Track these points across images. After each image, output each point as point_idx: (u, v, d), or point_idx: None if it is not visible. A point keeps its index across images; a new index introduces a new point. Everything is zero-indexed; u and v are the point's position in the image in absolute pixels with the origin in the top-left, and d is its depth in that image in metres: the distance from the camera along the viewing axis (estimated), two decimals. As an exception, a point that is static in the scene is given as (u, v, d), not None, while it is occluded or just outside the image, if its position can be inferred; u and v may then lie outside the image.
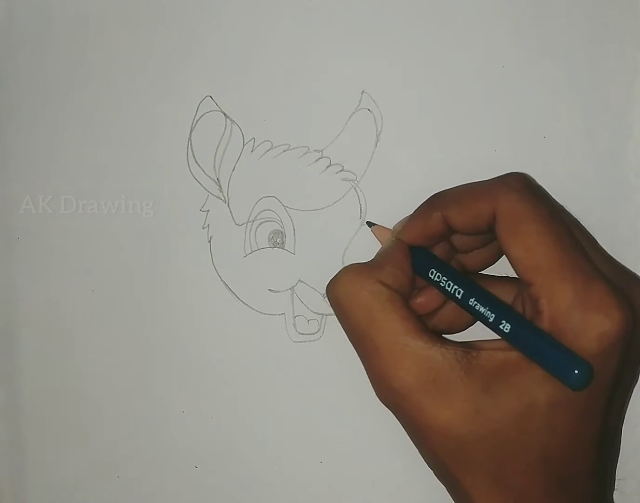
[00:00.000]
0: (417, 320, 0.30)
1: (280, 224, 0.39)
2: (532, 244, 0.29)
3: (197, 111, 0.39)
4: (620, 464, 0.37)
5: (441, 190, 0.34)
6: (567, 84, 0.37)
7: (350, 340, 0.32)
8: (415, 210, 0.34)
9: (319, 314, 0.39)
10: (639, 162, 0.37)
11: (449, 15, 0.38)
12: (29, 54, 0.40)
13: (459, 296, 0.32)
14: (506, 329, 0.29)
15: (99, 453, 0.41)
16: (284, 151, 0.39)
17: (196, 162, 0.39)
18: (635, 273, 0.35)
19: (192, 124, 0.39)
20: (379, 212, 0.39)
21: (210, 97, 0.39)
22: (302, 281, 0.39)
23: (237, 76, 0.39)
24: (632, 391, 0.35)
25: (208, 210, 0.40)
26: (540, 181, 0.38)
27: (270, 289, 0.39)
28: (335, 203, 0.39)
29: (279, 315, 0.39)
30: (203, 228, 0.40)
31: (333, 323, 0.39)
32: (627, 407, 0.35)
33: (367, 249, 0.39)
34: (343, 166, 0.39)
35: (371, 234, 0.39)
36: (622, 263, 0.37)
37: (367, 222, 0.38)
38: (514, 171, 0.35)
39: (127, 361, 0.41)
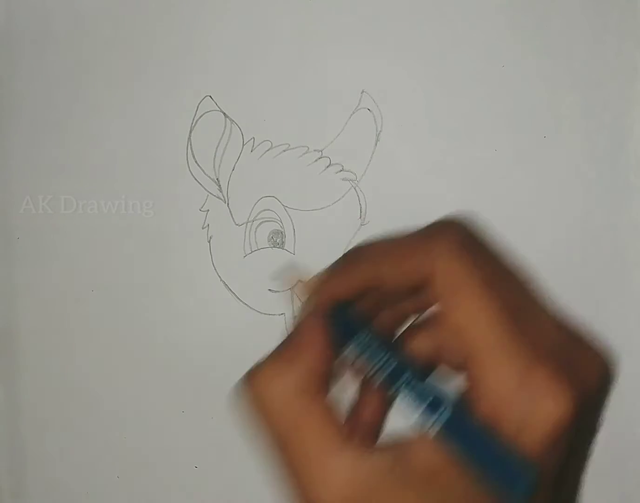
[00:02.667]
0: (341, 421, 0.27)
1: (280, 224, 0.39)
2: (472, 315, 0.26)
3: (196, 110, 0.39)
4: (620, 464, 0.37)
5: (363, 242, 0.30)
6: (567, 84, 0.37)
7: (267, 447, 0.28)
8: (335, 264, 0.30)
9: (319, 314, 0.39)
10: (639, 162, 0.37)
11: (449, 15, 0.38)
12: (29, 55, 0.40)
13: (383, 381, 0.27)
14: (437, 425, 0.25)
15: (99, 453, 0.41)
16: (284, 150, 0.39)
17: (196, 162, 0.39)
18: (585, 332, 0.32)
19: (192, 123, 0.39)
20: (379, 212, 0.39)
21: (210, 97, 0.39)
22: (302, 282, 0.39)
23: (237, 76, 0.39)
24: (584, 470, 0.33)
25: (208, 210, 0.40)
26: (540, 181, 0.38)
27: (270, 289, 0.39)
28: (335, 202, 0.39)
29: (279, 315, 0.39)
30: (203, 228, 0.40)
31: (333, 323, 0.39)
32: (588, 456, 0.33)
33: (367, 249, 0.39)
34: (343, 166, 0.39)
35: (372, 234, 0.39)
36: (623, 263, 0.37)
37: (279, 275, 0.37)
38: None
39: (127, 361, 0.41)
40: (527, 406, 0.25)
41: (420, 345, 0.30)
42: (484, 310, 0.26)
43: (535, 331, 0.27)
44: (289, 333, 0.29)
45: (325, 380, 0.28)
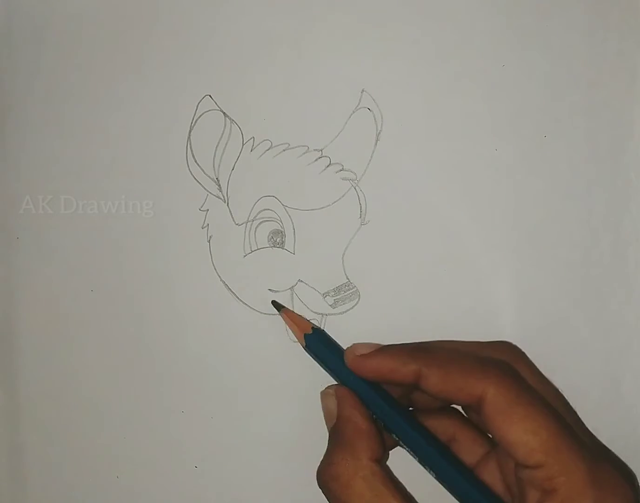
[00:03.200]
0: (411, 498, 0.31)
1: (280, 223, 0.39)
2: (535, 426, 0.29)
3: (196, 110, 0.39)
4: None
5: (428, 342, 0.34)
6: (567, 84, 0.37)
7: None
8: (390, 347, 0.33)
9: (319, 314, 0.39)
10: (639, 162, 0.37)
11: (449, 14, 0.38)
12: (28, 54, 0.40)
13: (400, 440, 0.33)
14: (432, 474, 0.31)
15: (98, 453, 0.41)
16: (284, 150, 0.39)
17: (195, 161, 0.39)
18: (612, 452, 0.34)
19: (192, 123, 0.39)
20: (379, 212, 0.39)
21: (210, 96, 0.39)
22: (301, 281, 0.39)
23: (237, 74, 0.39)
24: None
25: (207, 210, 0.40)
26: (540, 181, 0.38)
27: (270, 289, 0.39)
28: (335, 202, 0.39)
29: (279, 314, 0.39)
30: (202, 228, 0.40)
31: (333, 323, 0.39)
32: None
33: (366, 249, 0.39)
34: (343, 166, 0.39)
35: (372, 234, 0.39)
36: (624, 264, 0.37)
37: (273, 302, 0.38)
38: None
39: (127, 361, 0.40)
40: (599, 498, 0.28)
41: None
42: (545, 422, 0.29)
43: (585, 439, 0.30)
44: (335, 423, 0.34)
45: (383, 456, 0.32)
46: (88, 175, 0.40)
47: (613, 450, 0.35)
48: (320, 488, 0.32)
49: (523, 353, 0.34)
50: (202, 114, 0.39)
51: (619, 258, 0.37)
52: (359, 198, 0.39)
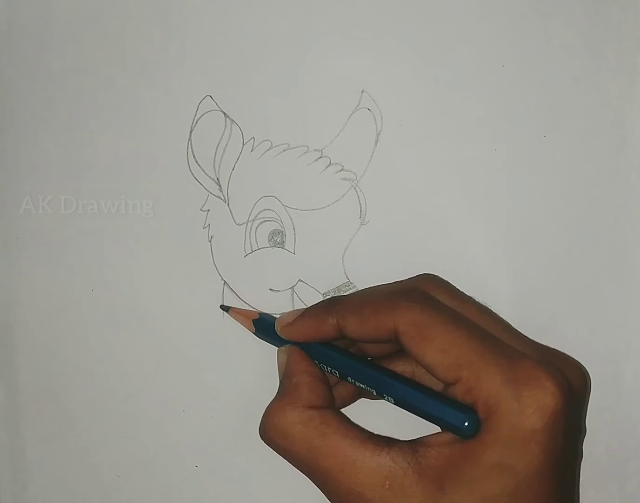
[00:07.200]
0: (358, 429, 0.31)
1: (280, 223, 0.39)
2: (445, 345, 0.29)
3: (197, 110, 0.39)
4: (621, 464, 0.37)
5: (338, 296, 0.36)
6: (567, 84, 0.37)
7: (299, 470, 0.32)
8: (309, 309, 0.35)
9: (319, 314, 0.39)
10: (639, 162, 0.37)
11: (449, 15, 0.38)
12: (29, 54, 0.40)
13: (344, 378, 0.33)
14: (391, 400, 0.31)
15: (99, 453, 0.41)
16: (284, 150, 0.39)
17: (196, 161, 0.39)
18: (561, 352, 0.33)
19: (192, 123, 0.39)
20: (379, 212, 0.39)
21: (210, 96, 0.39)
22: (302, 281, 0.39)
23: (237, 75, 0.39)
24: (580, 468, 0.34)
25: (208, 210, 0.40)
26: (540, 181, 0.38)
27: (270, 289, 0.39)
28: (335, 202, 0.39)
29: (279, 314, 0.39)
30: (203, 228, 0.40)
31: (333, 323, 0.39)
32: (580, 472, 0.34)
33: (367, 249, 0.39)
34: (343, 166, 0.39)
35: (371, 234, 0.39)
36: (624, 264, 0.37)
37: (221, 306, 0.39)
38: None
39: (127, 361, 0.40)
40: (517, 395, 0.27)
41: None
42: (456, 338, 0.29)
43: (507, 344, 0.30)
44: (282, 377, 0.34)
45: (326, 400, 0.32)
46: (88, 175, 0.40)
47: (612, 451, 0.35)
48: (263, 440, 0.32)
49: (442, 280, 0.34)
50: (203, 114, 0.39)
51: (618, 258, 0.37)
52: (359, 198, 0.39)
